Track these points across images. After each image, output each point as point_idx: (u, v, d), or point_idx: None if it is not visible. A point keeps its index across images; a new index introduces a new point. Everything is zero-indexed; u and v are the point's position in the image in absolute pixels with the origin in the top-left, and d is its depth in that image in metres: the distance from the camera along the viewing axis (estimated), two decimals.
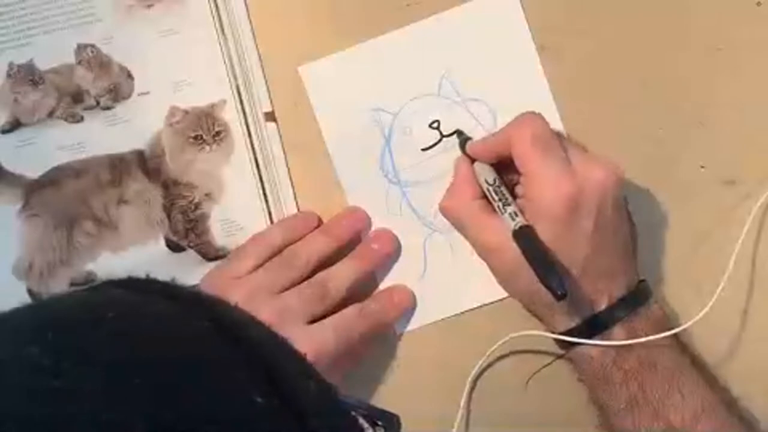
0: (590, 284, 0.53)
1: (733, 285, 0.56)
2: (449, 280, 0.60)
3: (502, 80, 0.59)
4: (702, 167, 0.60)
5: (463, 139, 0.59)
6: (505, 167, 0.56)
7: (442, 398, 0.59)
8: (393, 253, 0.60)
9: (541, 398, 0.60)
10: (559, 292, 0.50)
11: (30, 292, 0.59)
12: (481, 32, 0.60)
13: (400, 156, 0.60)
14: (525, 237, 0.52)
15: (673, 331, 0.54)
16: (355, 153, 0.60)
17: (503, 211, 0.54)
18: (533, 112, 0.55)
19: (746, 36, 0.60)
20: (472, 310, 0.60)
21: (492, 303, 0.60)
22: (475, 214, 0.56)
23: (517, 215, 0.53)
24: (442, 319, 0.60)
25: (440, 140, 0.60)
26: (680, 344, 0.56)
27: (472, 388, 0.59)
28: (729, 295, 0.56)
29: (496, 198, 0.54)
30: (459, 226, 0.58)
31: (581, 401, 0.60)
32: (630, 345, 0.53)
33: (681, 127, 0.60)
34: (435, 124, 0.60)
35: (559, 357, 0.60)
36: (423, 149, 0.60)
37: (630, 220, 0.57)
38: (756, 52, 0.60)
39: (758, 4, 0.60)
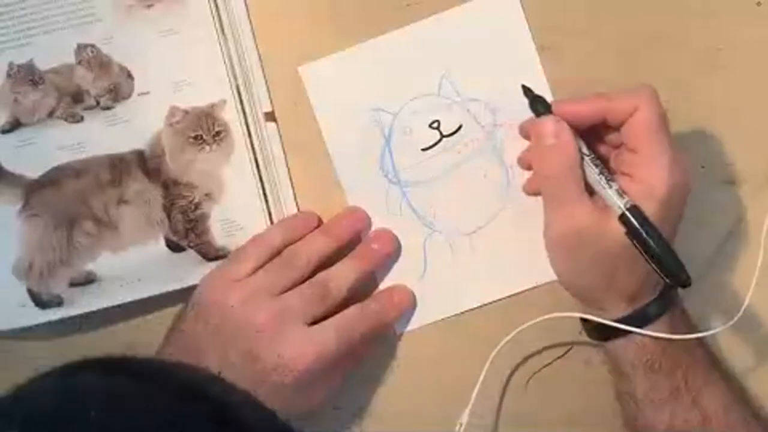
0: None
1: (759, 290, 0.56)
2: (449, 280, 0.60)
3: (502, 80, 0.59)
4: (702, 167, 0.60)
5: (533, 97, 0.54)
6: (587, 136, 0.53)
7: (442, 398, 0.59)
8: (393, 253, 0.60)
9: (541, 398, 0.60)
10: (685, 279, 0.48)
11: (30, 292, 0.59)
12: (481, 32, 0.60)
13: (400, 156, 0.60)
14: (638, 217, 0.49)
15: (720, 329, 0.54)
16: (355, 153, 0.60)
17: (608, 186, 0.50)
18: (651, 86, 0.52)
19: (746, 36, 0.60)
20: (472, 310, 0.60)
21: (492, 303, 0.60)
22: (574, 185, 0.51)
23: (623, 193, 0.50)
24: (442, 319, 0.61)
25: (440, 140, 0.60)
26: (703, 342, 0.56)
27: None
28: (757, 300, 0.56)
29: (596, 171, 0.51)
30: (554, 198, 0.53)
31: (581, 401, 0.60)
32: (690, 337, 0.53)
33: (681, 127, 0.60)
34: (435, 124, 0.60)
35: (560, 357, 0.60)
36: (423, 149, 0.60)
37: None
38: (756, 52, 0.60)
39: (758, 4, 0.60)
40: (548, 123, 0.52)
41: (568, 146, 0.51)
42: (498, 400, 0.60)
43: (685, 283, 0.49)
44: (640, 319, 0.53)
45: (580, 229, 0.51)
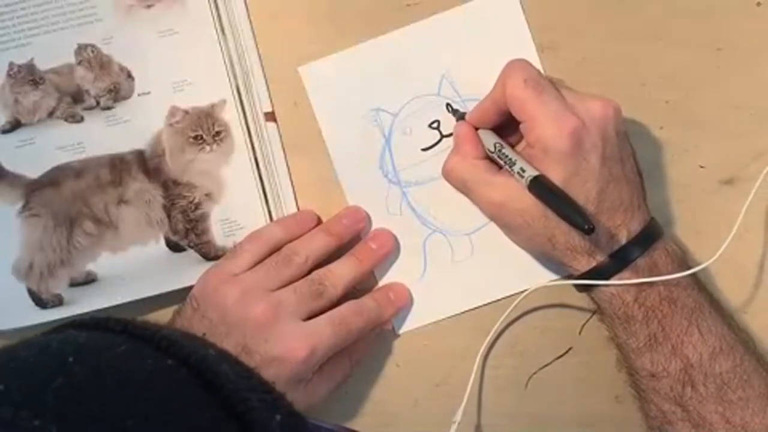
0: (608, 219, 0.53)
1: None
2: (449, 280, 0.60)
3: None
4: (701, 167, 0.60)
5: (459, 114, 0.59)
6: (505, 133, 0.57)
7: (442, 398, 0.60)
8: (391, 252, 0.60)
9: (540, 398, 0.60)
10: (587, 227, 0.49)
11: (30, 292, 0.59)
12: (481, 32, 0.60)
13: (400, 156, 0.60)
14: (540, 185, 0.52)
15: (692, 270, 0.54)
16: (355, 153, 0.60)
17: (512, 170, 0.53)
18: (518, 59, 0.55)
19: (746, 36, 0.60)
20: (472, 310, 0.60)
21: (492, 303, 0.60)
22: (480, 172, 0.56)
23: (524, 170, 0.52)
24: (442, 319, 0.61)
25: (440, 140, 0.60)
26: (698, 283, 0.56)
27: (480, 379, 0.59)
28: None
29: (502, 160, 0.54)
30: (464, 186, 0.57)
31: (581, 401, 0.60)
32: (652, 281, 0.53)
33: (681, 127, 0.60)
34: (435, 124, 0.60)
35: (559, 357, 0.60)
36: (423, 149, 0.60)
37: (633, 151, 0.57)
38: (756, 52, 0.60)
39: (758, 4, 0.60)
40: (456, 128, 0.59)
41: (463, 145, 0.57)
42: (497, 400, 0.60)
43: (588, 231, 0.50)
44: (611, 265, 0.53)
45: (500, 203, 0.55)
